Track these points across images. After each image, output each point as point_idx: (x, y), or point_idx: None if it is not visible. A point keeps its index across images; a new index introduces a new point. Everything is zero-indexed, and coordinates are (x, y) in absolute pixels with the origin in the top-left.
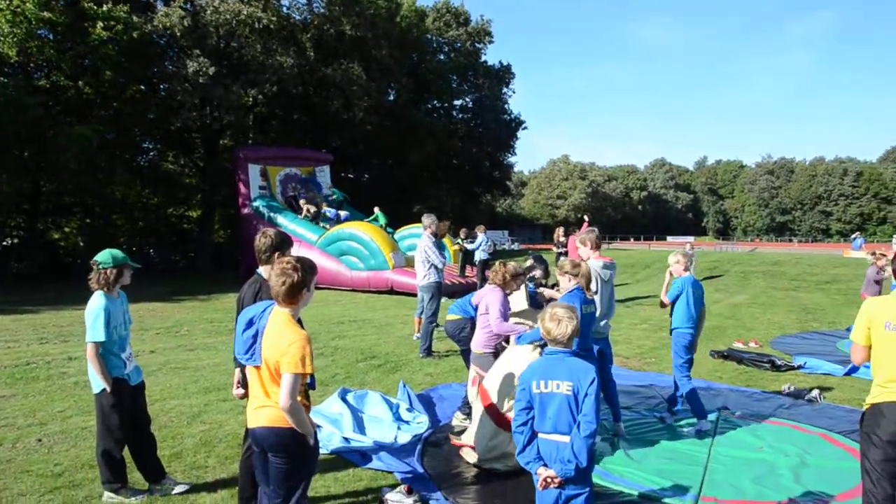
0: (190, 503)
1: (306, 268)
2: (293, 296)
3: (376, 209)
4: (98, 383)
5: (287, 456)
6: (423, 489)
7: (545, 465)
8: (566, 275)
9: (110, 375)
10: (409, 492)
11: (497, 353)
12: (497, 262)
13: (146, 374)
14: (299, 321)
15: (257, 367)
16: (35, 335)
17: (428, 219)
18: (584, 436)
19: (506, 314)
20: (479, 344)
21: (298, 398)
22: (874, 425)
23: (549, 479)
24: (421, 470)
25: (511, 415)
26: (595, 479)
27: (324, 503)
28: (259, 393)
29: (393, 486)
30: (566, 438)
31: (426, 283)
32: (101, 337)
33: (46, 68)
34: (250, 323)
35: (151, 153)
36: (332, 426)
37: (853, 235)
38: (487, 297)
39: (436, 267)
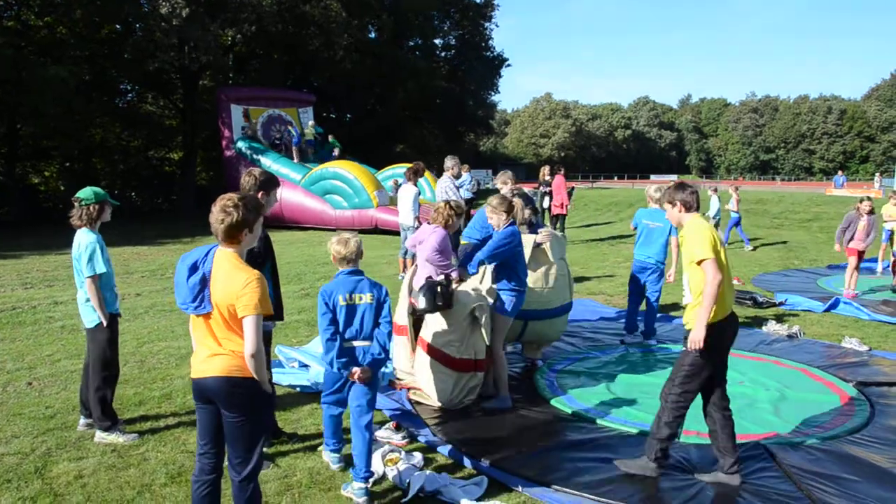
0: (182, 443)
1: (249, 207)
2: (232, 235)
3: (331, 137)
4: (93, 318)
5: (244, 410)
6: (411, 425)
7: (356, 364)
8: (495, 213)
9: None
10: (398, 428)
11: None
12: (441, 202)
13: (134, 317)
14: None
15: (206, 315)
16: (19, 280)
17: (451, 160)
18: (386, 332)
19: (443, 250)
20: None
21: None
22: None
23: (363, 374)
24: (409, 406)
25: (468, 356)
26: (578, 413)
27: (314, 440)
28: (208, 342)
29: (382, 423)
30: (369, 342)
31: None
32: (102, 269)
33: (16, 6)
34: (194, 268)
35: (130, 95)
36: (320, 365)
37: (838, 175)
38: (429, 237)
39: None
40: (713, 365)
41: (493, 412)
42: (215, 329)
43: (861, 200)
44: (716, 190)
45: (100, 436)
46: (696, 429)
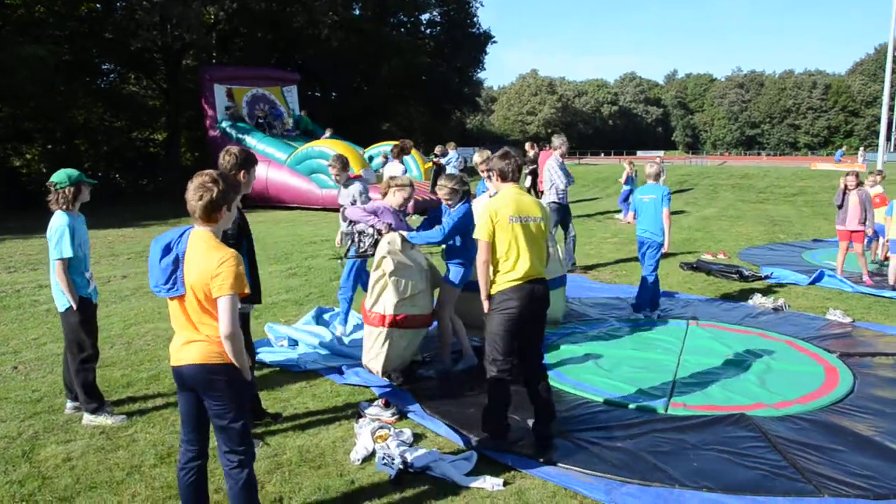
0: (170, 424)
1: (228, 184)
2: (211, 212)
3: (303, 112)
4: (64, 301)
5: (225, 397)
6: (400, 402)
7: None
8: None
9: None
10: (387, 405)
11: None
12: (386, 177)
13: (120, 299)
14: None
15: (181, 298)
16: (2, 264)
17: (558, 139)
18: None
19: (372, 212)
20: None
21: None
22: (508, 304)
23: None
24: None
25: (378, 310)
26: (565, 388)
27: (303, 419)
28: (185, 326)
29: (371, 401)
30: None
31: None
32: (69, 253)
33: None
34: (167, 249)
35: (112, 75)
36: (308, 345)
37: (840, 150)
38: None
39: (557, 188)
40: (514, 329)
41: (481, 390)
42: (191, 313)
43: (847, 175)
44: (661, 161)
45: (88, 418)
46: (682, 401)
